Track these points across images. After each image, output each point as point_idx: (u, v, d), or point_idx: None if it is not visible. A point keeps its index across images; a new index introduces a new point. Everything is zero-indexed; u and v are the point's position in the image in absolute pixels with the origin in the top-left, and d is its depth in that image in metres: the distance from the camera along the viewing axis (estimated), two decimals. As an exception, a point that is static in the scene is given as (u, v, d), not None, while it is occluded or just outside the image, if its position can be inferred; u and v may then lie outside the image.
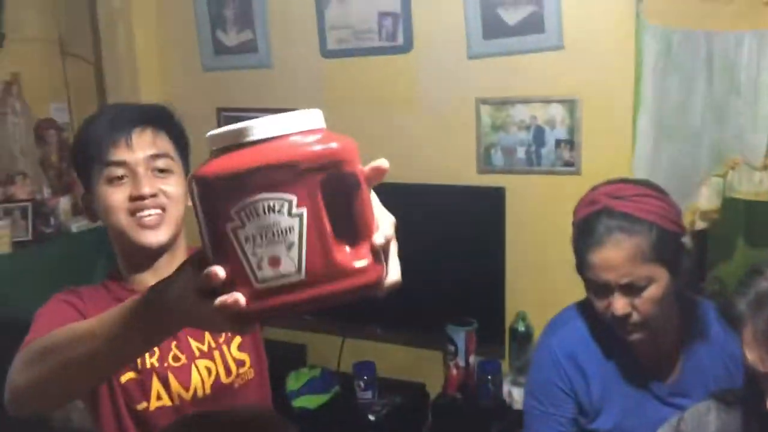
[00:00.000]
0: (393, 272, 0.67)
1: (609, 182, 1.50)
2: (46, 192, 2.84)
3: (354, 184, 0.65)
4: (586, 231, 1.43)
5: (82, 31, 3.03)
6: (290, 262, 0.64)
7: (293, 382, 2.56)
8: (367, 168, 0.66)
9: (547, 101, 2.34)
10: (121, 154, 1.19)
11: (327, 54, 2.64)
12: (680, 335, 1.53)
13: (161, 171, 1.21)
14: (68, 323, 0.97)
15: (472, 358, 2.44)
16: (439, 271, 2.41)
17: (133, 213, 1.19)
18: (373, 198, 0.68)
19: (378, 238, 0.65)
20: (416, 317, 2.52)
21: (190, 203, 1.18)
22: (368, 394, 2.47)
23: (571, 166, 2.34)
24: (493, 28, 2.36)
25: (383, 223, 0.66)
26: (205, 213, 0.65)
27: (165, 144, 1.24)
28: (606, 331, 1.50)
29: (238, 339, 1.29)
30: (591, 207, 1.45)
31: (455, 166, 2.49)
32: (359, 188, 0.65)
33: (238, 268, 0.64)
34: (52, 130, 2.95)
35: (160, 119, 1.25)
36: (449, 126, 2.50)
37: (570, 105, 2.31)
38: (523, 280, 2.46)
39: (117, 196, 1.19)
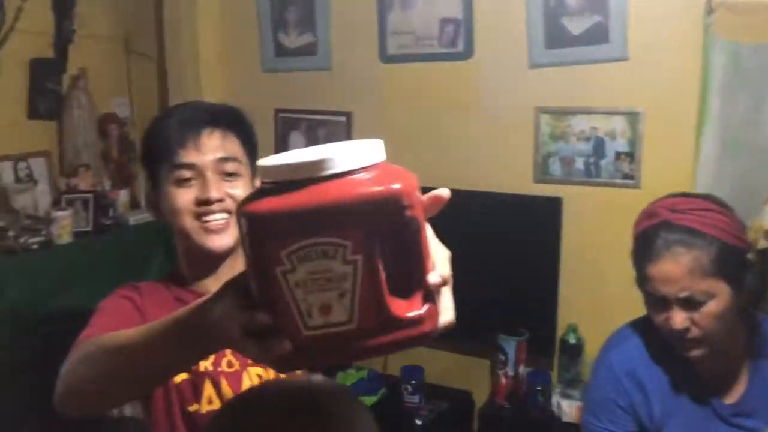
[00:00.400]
0: (446, 312, 0.64)
1: (670, 196, 1.49)
2: (107, 184, 2.91)
3: (414, 229, 0.60)
4: (645, 244, 1.42)
5: (147, 30, 3.10)
6: (342, 311, 0.59)
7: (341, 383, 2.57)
8: (426, 197, 0.62)
9: (609, 113, 2.32)
10: (189, 156, 1.18)
11: (387, 59, 2.66)
12: (745, 353, 1.49)
13: (229, 174, 1.19)
14: (125, 321, 0.98)
15: (521, 368, 2.42)
16: (491, 279, 2.41)
17: (199, 216, 1.18)
18: (428, 231, 0.63)
19: (434, 278, 0.61)
20: (466, 324, 2.51)
21: None
22: (416, 399, 2.47)
23: (630, 179, 2.32)
24: (557, 37, 2.36)
25: (439, 261, 0.62)
26: (254, 251, 0.60)
27: (233, 147, 1.22)
28: (666, 348, 1.48)
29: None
30: (651, 220, 1.43)
31: (512, 175, 2.48)
32: (419, 233, 0.60)
33: (285, 311, 0.60)
34: (114, 125, 3.02)
35: (230, 121, 1.24)
36: (507, 134, 2.49)
37: (632, 117, 2.29)
38: (577, 292, 2.44)
39: (184, 198, 1.18)
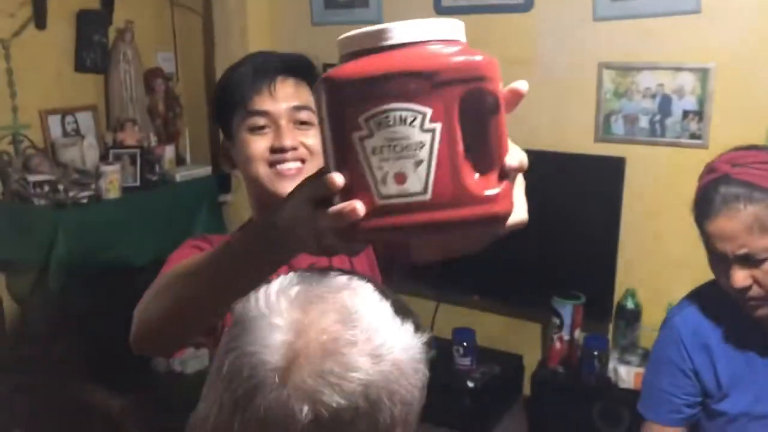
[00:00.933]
0: (519, 209, 0.62)
1: (735, 149, 1.40)
2: (153, 140, 2.88)
3: (493, 104, 0.58)
4: (704, 200, 1.35)
5: (192, -18, 3.03)
6: (417, 180, 0.59)
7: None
8: (505, 89, 0.61)
9: (677, 68, 2.21)
10: (264, 103, 1.18)
11: (442, 10, 2.57)
12: None
13: (302, 123, 1.20)
14: None
15: (577, 333, 2.36)
16: (549, 241, 2.33)
17: (272, 164, 1.18)
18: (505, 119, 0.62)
19: (511, 159, 0.59)
20: (520, 286, 2.46)
21: None
22: (467, 361, 2.43)
23: (698, 138, 2.22)
24: (624, -12, 2.24)
25: (515, 149, 0.61)
26: (332, 118, 0.60)
27: (307, 95, 1.21)
28: (732, 309, 1.41)
29: None
30: (710, 175, 1.36)
31: (573, 134, 2.39)
32: (498, 110, 0.59)
33: (360, 179, 0.60)
34: (160, 80, 2.97)
35: (303, 70, 1.23)
36: (568, 91, 2.40)
37: (702, 74, 2.18)
38: (636, 256, 2.37)
39: (258, 146, 1.18)
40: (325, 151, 0.62)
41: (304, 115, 1.19)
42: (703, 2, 2.14)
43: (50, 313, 2.48)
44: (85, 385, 2.47)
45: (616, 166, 2.29)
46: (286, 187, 1.17)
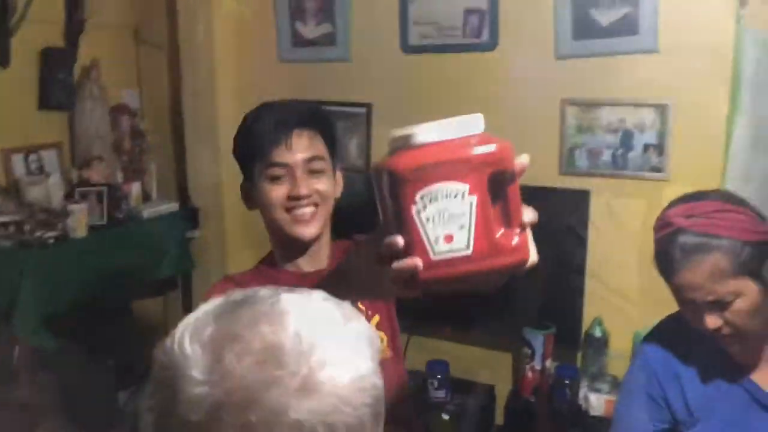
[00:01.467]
0: (533, 252, 0.80)
1: (682, 199, 1.46)
2: (119, 176, 2.86)
3: (511, 177, 0.78)
4: (664, 254, 1.41)
5: (157, 19, 3.03)
6: (461, 239, 0.77)
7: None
8: (517, 163, 0.78)
9: (638, 105, 2.30)
10: (282, 156, 1.33)
11: (408, 49, 2.63)
12: None
13: (315, 172, 1.35)
14: None
15: (548, 362, 2.41)
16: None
17: (289, 210, 1.34)
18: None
19: (527, 216, 0.78)
20: (489, 317, 2.50)
21: (337, 196, 1.40)
22: (442, 393, 2.45)
23: (659, 171, 2.30)
24: (584, 27, 2.33)
25: (527, 208, 0.80)
26: (393, 198, 0.78)
27: (320, 146, 1.37)
28: (702, 340, 1.47)
29: (376, 318, 1.42)
30: (666, 229, 1.42)
31: (538, 167, 2.44)
32: (514, 181, 0.78)
33: (417, 242, 0.77)
34: (126, 116, 2.96)
35: (317, 121, 1.38)
36: (533, 126, 2.47)
37: (661, 110, 2.27)
38: (602, 285, 2.43)
39: (277, 194, 1.34)
40: (386, 221, 0.80)
41: (317, 165, 1.35)
42: (661, 42, 2.24)
43: (16, 356, 2.42)
44: (51, 428, 2.40)
45: (581, 198, 2.36)
46: (303, 230, 1.36)
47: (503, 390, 2.60)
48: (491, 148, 0.77)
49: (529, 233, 0.80)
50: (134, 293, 3.00)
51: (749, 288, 1.36)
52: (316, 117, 1.40)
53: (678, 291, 1.40)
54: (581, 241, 2.37)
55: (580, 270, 2.39)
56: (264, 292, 0.69)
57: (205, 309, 0.67)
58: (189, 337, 0.64)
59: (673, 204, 1.46)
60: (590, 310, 2.44)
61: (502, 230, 0.78)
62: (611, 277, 2.43)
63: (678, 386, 1.51)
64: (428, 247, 0.77)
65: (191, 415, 0.60)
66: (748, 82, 2.12)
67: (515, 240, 0.78)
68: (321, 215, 1.37)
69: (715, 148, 2.21)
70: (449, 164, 0.77)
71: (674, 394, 1.51)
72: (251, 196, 1.40)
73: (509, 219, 0.78)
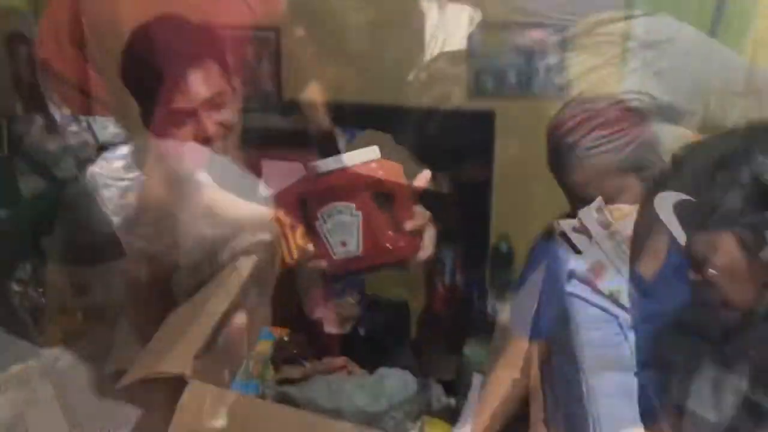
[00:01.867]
0: (426, 248, 1.12)
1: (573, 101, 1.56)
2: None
3: (392, 196, 1.07)
4: (555, 153, 1.54)
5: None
6: (353, 244, 1.08)
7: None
8: (414, 183, 1.09)
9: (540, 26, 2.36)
10: None
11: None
12: None
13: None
14: None
15: (458, 277, 2.53)
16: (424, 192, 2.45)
17: None
18: (410, 200, 1.11)
19: (408, 225, 1.08)
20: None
21: None
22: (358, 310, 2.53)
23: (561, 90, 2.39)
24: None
25: (417, 216, 1.08)
26: (308, 215, 1.10)
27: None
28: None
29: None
30: (557, 129, 1.51)
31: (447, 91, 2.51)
32: (395, 199, 1.08)
33: (323, 248, 1.11)
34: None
35: None
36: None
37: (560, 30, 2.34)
38: (509, 205, 2.55)
39: None
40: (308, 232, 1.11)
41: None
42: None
43: None
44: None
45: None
46: None
47: (417, 306, 2.71)
48: (373, 173, 1.05)
49: (428, 233, 1.11)
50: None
51: (636, 185, 1.46)
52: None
53: (570, 190, 1.49)
54: (488, 160, 2.47)
55: (488, 190, 2.50)
56: None
57: None
58: None
59: (565, 105, 1.54)
60: (497, 229, 2.56)
61: (390, 234, 1.07)
62: (518, 196, 2.54)
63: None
64: (330, 251, 1.10)
65: None
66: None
67: (401, 242, 1.07)
68: None
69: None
70: (339, 188, 1.06)
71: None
72: None
73: (396, 224, 1.07)
